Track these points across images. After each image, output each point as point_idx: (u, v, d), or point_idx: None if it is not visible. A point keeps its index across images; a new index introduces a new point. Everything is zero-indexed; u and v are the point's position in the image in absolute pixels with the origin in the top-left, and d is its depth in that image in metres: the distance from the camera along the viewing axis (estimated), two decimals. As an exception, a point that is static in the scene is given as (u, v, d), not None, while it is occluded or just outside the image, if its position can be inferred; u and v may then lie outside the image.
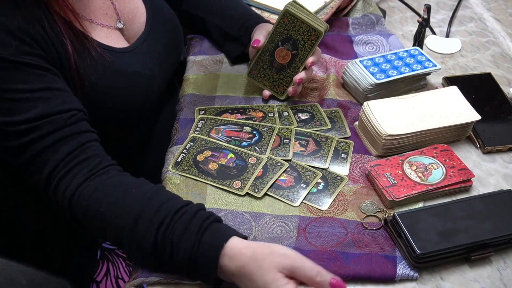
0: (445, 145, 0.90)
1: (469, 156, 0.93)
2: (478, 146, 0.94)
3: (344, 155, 0.91)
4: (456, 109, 0.93)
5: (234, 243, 0.66)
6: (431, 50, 1.17)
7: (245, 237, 0.69)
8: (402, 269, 0.74)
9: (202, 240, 0.67)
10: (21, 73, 0.73)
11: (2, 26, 0.72)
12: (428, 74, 1.04)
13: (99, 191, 0.72)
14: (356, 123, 0.97)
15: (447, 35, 1.22)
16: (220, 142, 0.92)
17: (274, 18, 1.15)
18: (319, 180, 0.86)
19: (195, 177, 0.86)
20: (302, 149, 0.91)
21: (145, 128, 1.05)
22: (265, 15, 1.15)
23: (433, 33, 1.22)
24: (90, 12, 0.87)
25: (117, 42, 0.90)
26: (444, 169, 0.86)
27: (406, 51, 1.05)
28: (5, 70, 0.72)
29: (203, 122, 0.96)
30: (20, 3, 0.75)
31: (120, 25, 0.92)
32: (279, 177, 0.86)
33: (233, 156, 0.89)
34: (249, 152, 0.90)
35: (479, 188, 0.87)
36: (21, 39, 0.73)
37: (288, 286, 0.63)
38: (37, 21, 0.76)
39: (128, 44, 0.92)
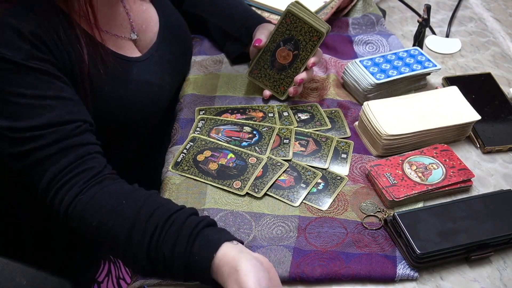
0: (445, 145, 0.90)
1: (469, 156, 0.93)
2: (478, 146, 0.94)
3: (344, 155, 0.91)
4: (456, 109, 0.93)
5: (223, 252, 0.66)
6: (431, 50, 1.17)
7: (241, 241, 0.70)
8: (402, 269, 0.74)
9: (193, 251, 0.67)
10: (30, 78, 0.72)
11: (15, 28, 0.72)
12: (428, 74, 1.04)
13: (91, 204, 0.72)
14: (356, 123, 0.97)
15: (447, 35, 1.22)
16: (220, 142, 0.92)
17: (274, 18, 1.15)
18: (319, 180, 0.86)
19: (195, 177, 0.86)
20: (302, 149, 0.92)
21: (147, 132, 1.05)
22: (265, 15, 1.15)
23: (433, 33, 1.22)
24: (105, 23, 0.87)
25: (131, 52, 0.91)
26: (444, 169, 0.86)
27: (406, 51, 1.05)
28: (13, 73, 0.72)
29: (203, 122, 0.96)
30: (36, 8, 0.74)
31: (134, 36, 0.92)
32: (279, 177, 0.86)
33: (233, 156, 0.89)
34: (249, 152, 0.90)
35: (479, 188, 0.87)
36: (32, 44, 0.72)
37: None
38: (52, 27, 0.75)
39: (140, 54, 0.92)
